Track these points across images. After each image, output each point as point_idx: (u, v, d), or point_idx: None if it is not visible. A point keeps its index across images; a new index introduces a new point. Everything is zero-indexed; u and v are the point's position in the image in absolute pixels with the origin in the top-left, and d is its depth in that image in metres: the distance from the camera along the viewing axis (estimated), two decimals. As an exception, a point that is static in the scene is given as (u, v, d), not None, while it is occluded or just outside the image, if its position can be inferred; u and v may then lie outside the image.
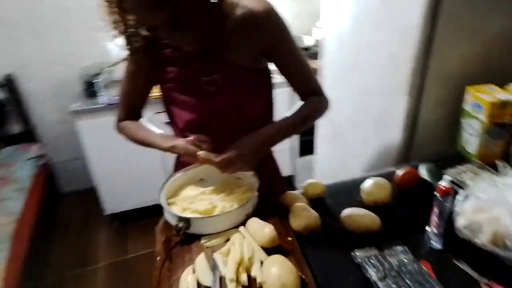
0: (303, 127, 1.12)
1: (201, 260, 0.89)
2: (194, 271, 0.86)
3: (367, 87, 1.58)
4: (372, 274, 0.84)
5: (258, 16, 1.01)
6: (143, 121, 1.22)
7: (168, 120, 1.23)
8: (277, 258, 0.83)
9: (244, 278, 0.82)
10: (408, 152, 1.43)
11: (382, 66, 1.45)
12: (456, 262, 0.88)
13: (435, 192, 0.90)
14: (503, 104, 1.15)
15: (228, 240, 0.95)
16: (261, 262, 0.85)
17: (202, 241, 0.96)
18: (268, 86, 1.20)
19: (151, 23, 0.92)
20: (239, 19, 1.02)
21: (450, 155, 1.33)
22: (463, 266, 0.87)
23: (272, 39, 1.05)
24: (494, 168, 1.13)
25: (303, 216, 0.97)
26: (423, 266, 0.85)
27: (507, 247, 0.85)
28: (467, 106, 1.25)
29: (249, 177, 1.10)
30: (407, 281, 0.81)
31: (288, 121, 1.10)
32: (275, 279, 0.77)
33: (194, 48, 1.02)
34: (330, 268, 0.89)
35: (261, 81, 1.17)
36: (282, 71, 1.12)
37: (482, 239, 0.88)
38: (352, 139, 1.77)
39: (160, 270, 0.89)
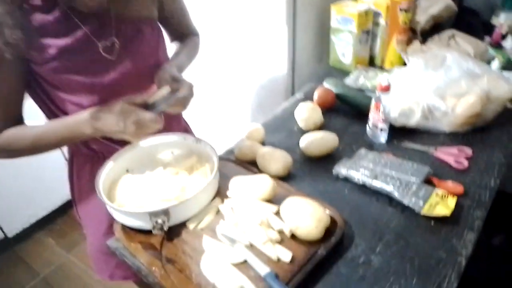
0: (190, 62, 1.09)
1: (210, 243, 0.76)
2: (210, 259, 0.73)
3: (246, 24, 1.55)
4: (362, 178, 0.89)
5: None
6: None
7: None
8: (297, 200, 0.78)
9: (274, 235, 0.75)
10: (293, 82, 1.51)
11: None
12: (404, 145, 1.03)
13: (374, 92, 1.00)
14: (366, 13, 1.33)
15: (218, 211, 0.84)
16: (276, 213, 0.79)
17: (191, 226, 0.81)
18: (163, 40, 1.04)
19: None
20: None
21: (327, 72, 1.47)
22: (411, 145, 1.02)
23: None
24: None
25: (277, 158, 0.93)
26: (388, 155, 0.96)
27: (434, 118, 1.04)
28: (334, 23, 1.40)
29: (182, 147, 0.98)
30: (389, 170, 0.90)
31: (183, 57, 1.05)
32: (309, 217, 0.73)
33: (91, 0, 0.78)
34: (325, 194, 0.90)
35: (160, 36, 1.00)
36: (167, 14, 1.02)
37: (415, 120, 1.04)
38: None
39: (169, 278, 0.71)
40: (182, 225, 0.82)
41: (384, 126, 1.01)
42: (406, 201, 0.83)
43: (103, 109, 0.79)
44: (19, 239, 2.20)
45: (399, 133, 1.05)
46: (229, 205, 0.83)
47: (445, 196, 0.82)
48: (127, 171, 0.97)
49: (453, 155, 0.97)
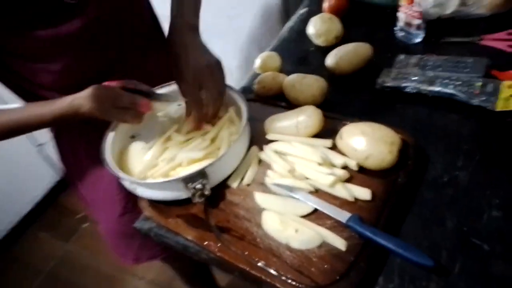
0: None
1: (265, 199, 0.63)
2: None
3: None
4: (415, 85, 0.76)
5: None
6: None
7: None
8: (356, 126, 0.64)
9: (341, 172, 0.62)
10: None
11: None
12: (445, 40, 0.88)
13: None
14: None
15: (260, 162, 0.70)
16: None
17: (235, 184, 0.67)
18: None
19: None
20: None
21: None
22: (453, 39, 0.88)
23: None
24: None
25: (309, 83, 0.77)
26: (431, 56, 0.82)
27: (472, 2, 0.88)
28: None
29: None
30: (442, 72, 0.77)
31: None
32: (379, 142, 0.60)
33: None
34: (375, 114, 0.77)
35: None
36: None
37: (452, 7, 0.89)
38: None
39: (229, 249, 0.58)
40: (222, 186, 0.67)
41: (421, 22, 0.86)
42: (474, 101, 0.70)
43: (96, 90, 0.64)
44: (10, 239, 1.98)
45: (434, 28, 0.90)
46: (272, 151, 0.69)
47: (516, 86, 0.70)
48: (133, 137, 0.80)
49: (504, 40, 0.83)
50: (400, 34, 0.91)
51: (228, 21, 1.43)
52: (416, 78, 0.77)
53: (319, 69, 0.88)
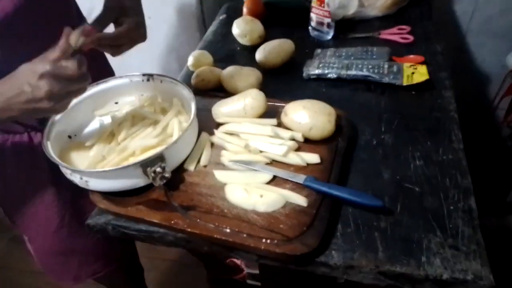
0: None
1: (225, 175, 0.66)
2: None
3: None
4: (336, 72, 0.87)
5: None
6: None
7: None
8: (297, 104, 0.71)
9: (291, 143, 0.69)
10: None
11: None
12: (350, 36, 1.03)
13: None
14: None
15: (212, 145, 0.73)
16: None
17: (191, 167, 0.69)
18: None
19: None
20: None
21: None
22: (356, 34, 1.03)
23: None
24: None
25: (246, 74, 0.83)
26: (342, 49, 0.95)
27: (368, 5, 1.05)
28: None
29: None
30: (355, 59, 0.90)
31: None
32: (320, 115, 0.69)
33: None
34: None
35: None
36: None
37: (352, 8, 1.04)
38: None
39: (198, 225, 0.60)
40: (180, 170, 0.69)
41: (330, 20, 0.99)
42: (385, 79, 0.84)
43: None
44: None
45: (341, 26, 1.04)
46: (223, 134, 0.73)
47: (413, 66, 0.86)
48: (70, 137, 0.77)
49: (396, 34, 1.01)
50: (314, 32, 1.04)
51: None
52: (335, 65, 0.88)
53: (249, 65, 0.95)
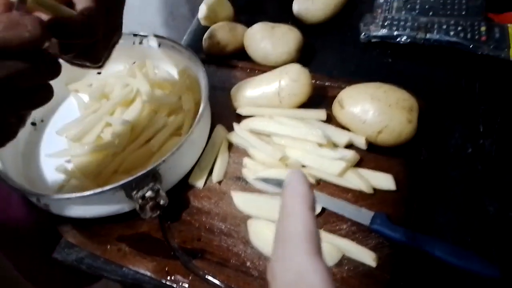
0: None
1: (246, 200, 0.44)
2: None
3: None
4: (409, 34, 0.61)
5: None
6: None
7: None
8: (358, 88, 0.47)
9: (348, 154, 0.45)
10: None
11: None
12: None
13: None
14: None
15: (231, 146, 0.50)
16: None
17: (199, 183, 0.47)
18: None
19: None
20: None
21: None
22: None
23: None
24: None
25: (282, 34, 0.58)
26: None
27: None
28: None
29: None
30: (434, 16, 0.63)
31: None
32: (394, 109, 0.44)
33: None
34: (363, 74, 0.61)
35: None
36: None
37: None
38: None
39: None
40: (182, 186, 0.47)
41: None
42: (483, 50, 0.57)
43: None
44: None
45: None
46: (248, 131, 0.50)
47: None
48: (34, 124, 0.56)
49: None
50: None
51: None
52: (408, 24, 0.62)
53: (280, 19, 0.69)
